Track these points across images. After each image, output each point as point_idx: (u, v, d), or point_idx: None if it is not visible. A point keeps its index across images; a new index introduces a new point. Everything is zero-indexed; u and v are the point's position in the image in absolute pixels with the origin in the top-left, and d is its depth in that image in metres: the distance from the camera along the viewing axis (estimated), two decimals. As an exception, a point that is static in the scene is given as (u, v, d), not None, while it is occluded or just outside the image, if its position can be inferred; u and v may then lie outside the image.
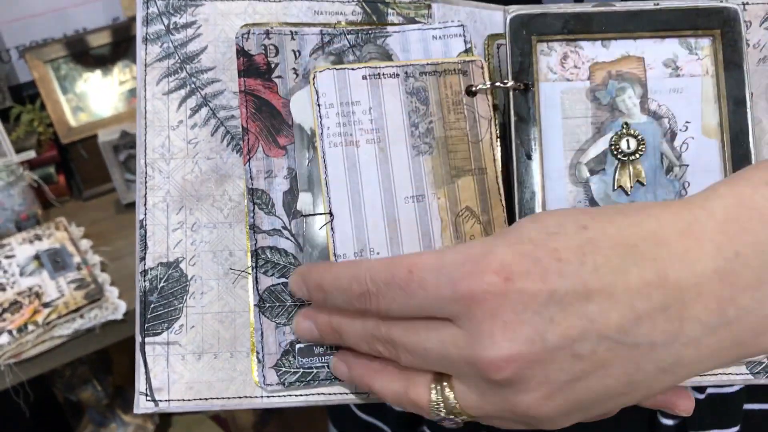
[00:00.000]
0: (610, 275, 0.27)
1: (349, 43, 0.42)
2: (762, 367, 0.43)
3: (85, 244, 1.44)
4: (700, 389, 0.56)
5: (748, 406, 0.58)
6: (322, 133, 0.41)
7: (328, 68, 0.41)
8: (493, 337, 0.27)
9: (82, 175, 1.55)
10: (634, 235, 0.28)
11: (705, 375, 0.43)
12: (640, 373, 0.28)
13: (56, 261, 1.39)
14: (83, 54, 1.51)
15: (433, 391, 0.31)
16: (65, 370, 1.56)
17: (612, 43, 0.43)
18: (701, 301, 0.27)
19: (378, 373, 0.34)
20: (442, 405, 0.30)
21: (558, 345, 0.27)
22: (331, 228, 0.40)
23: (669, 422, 0.56)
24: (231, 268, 0.42)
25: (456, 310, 0.29)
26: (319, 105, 0.41)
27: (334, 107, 0.41)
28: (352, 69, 0.41)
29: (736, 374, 0.43)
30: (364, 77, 0.41)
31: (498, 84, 0.42)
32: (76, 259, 1.39)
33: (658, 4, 0.42)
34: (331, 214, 0.41)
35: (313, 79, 0.41)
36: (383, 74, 0.42)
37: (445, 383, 0.31)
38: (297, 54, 0.42)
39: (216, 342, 0.42)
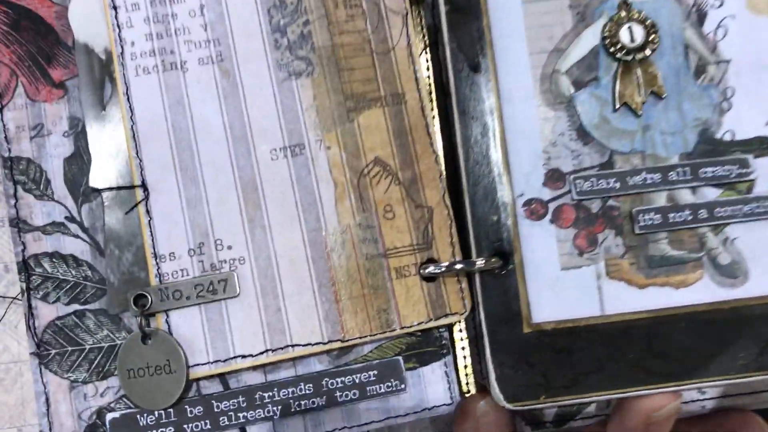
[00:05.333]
0: None
1: None
2: None
3: None
4: None
5: None
6: (122, 54, 0.25)
7: (120, -57, 0.25)
8: None
9: None
10: None
11: None
12: None
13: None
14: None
15: None
16: None
17: None
18: None
19: None
20: None
21: None
22: (146, 211, 0.24)
23: None
24: (1, 296, 0.26)
25: None
26: (115, 7, 0.25)
27: (140, 9, 0.25)
28: (162, -58, 0.25)
29: None
30: (185, -45, 0.25)
31: (412, -48, 0.25)
32: None
33: None
34: (144, 187, 0.24)
35: (95, -38, 0.24)
36: (217, -52, 0.25)
37: None
38: (72, -72, 0.25)
39: (-7, 413, 0.26)
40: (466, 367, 0.26)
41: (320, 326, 0.24)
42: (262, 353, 0.24)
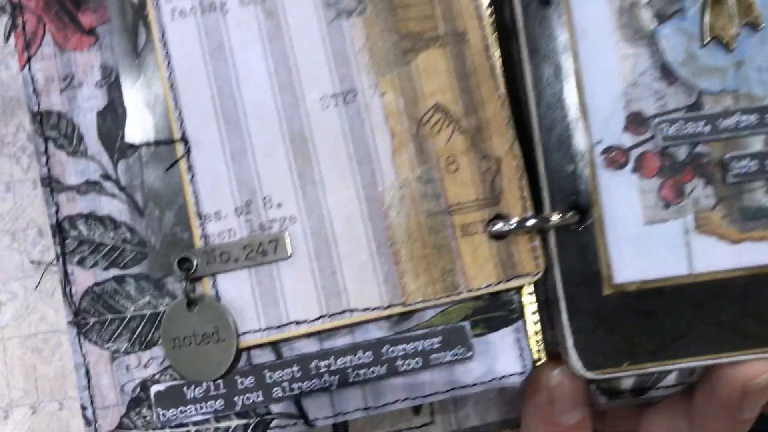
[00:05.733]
0: None
1: None
2: None
3: None
4: None
5: None
6: (155, -4, 0.22)
7: None
8: None
9: None
10: None
11: None
12: None
13: None
14: None
15: None
16: None
17: None
18: None
19: None
20: None
21: None
22: (188, 167, 0.22)
23: None
24: (33, 261, 0.24)
25: None
26: (145, -55, 0.23)
27: (172, -54, 0.22)
28: None
29: None
30: None
31: None
32: None
33: None
34: (185, 141, 0.22)
35: None
36: None
37: None
38: None
39: (32, 386, 0.25)
40: (537, 333, 0.23)
41: (379, 289, 0.22)
42: (317, 319, 0.22)
